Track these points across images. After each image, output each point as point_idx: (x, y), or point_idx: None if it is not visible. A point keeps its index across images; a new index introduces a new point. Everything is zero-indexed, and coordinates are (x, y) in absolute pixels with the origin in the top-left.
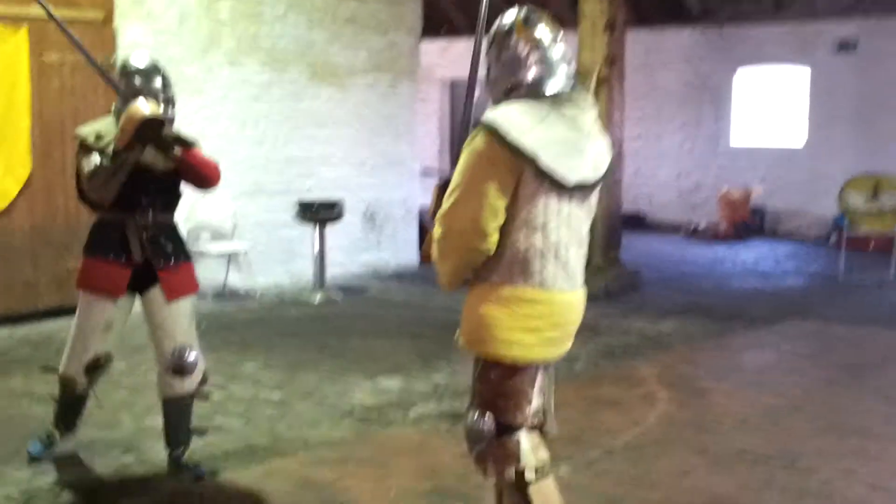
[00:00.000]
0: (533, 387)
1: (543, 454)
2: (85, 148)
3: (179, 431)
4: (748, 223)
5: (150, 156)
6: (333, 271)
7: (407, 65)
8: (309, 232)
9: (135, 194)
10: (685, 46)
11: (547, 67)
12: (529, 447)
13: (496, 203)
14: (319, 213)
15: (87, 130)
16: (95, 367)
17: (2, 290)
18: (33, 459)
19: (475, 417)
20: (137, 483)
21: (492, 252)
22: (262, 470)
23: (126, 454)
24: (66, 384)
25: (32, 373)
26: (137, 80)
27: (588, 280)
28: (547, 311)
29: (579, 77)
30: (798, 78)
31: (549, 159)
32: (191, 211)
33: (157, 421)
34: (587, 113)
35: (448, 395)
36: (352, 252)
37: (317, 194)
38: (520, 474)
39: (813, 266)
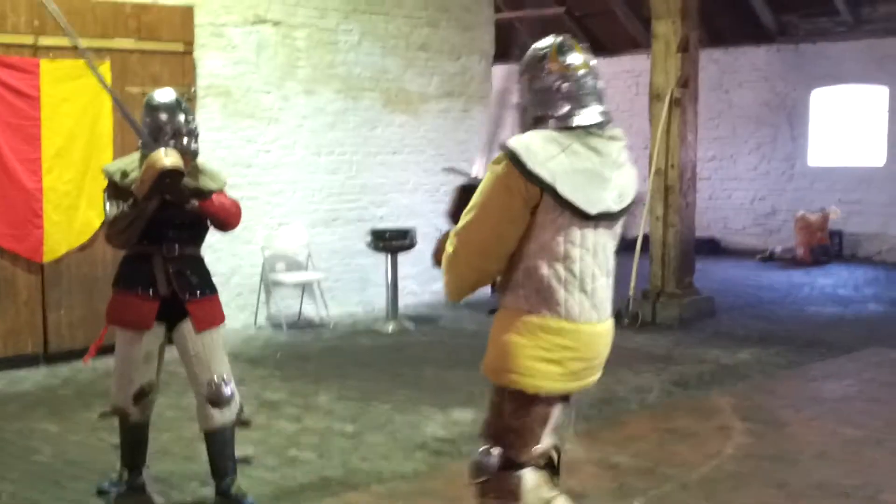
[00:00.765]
0: (544, 427)
1: (546, 494)
2: (112, 186)
3: (224, 462)
4: (826, 247)
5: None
6: (406, 300)
7: (479, 89)
8: (382, 260)
9: (161, 228)
10: (761, 65)
11: (578, 99)
12: (531, 486)
13: (507, 230)
14: (392, 242)
15: (114, 168)
16: (141, 397)
17: (84, 323)
18: (101, 493)
19: (482, 450)
20: None
21: (496, 276)
22: (335, 503)
23: (203, 486)
24: (118, 414)
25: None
26: (162, 116)
27: (661, 308)
28: (572, 342)
29: (652, 98)
30: (877, 96)
31: (569, 189)
32: (267, 240)
33: (236, 453)
34: (615, 143)
35: None
36: (424, 281)
37: (390, 222)
38: None
39: (894, 291)
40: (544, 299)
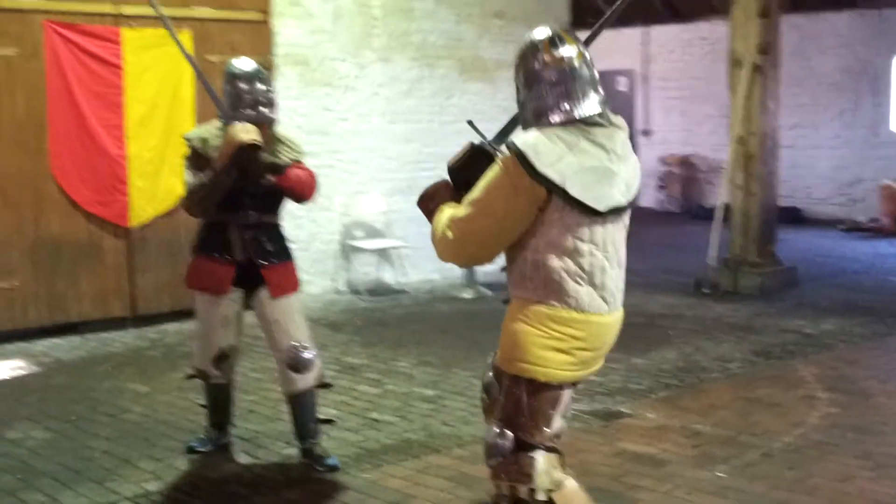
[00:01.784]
0: (556, 409)
1: (558, 475)
2: (194, 154)
3: (307, 424)
4: None
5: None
6: (483, 267)
7: None
8: None
9: (237, 197)
10: (843, 31)
11: (576, 91)
12: (544, 468)
13: (510, 226)
14: None
15: (194, 135)
16: (222, 360)
17: (170, 286)
18: (191, 451)
19: (495, 432)
20: (299, 475)
21: (488, 261)
22: (417, 465)
23: (288, 447)
24: (200, 376)
25: None
26: (242, 85)
27: (742, 277)
28: (583, 332)
29: (732, 65)
30: None
31: (579, 189)
32: (345, 208)
33: (319, 415)
34: (617, 135)
35: (600, 393)
36: None
37: None
38: (531, 493)
39: None
40: (554, 290)
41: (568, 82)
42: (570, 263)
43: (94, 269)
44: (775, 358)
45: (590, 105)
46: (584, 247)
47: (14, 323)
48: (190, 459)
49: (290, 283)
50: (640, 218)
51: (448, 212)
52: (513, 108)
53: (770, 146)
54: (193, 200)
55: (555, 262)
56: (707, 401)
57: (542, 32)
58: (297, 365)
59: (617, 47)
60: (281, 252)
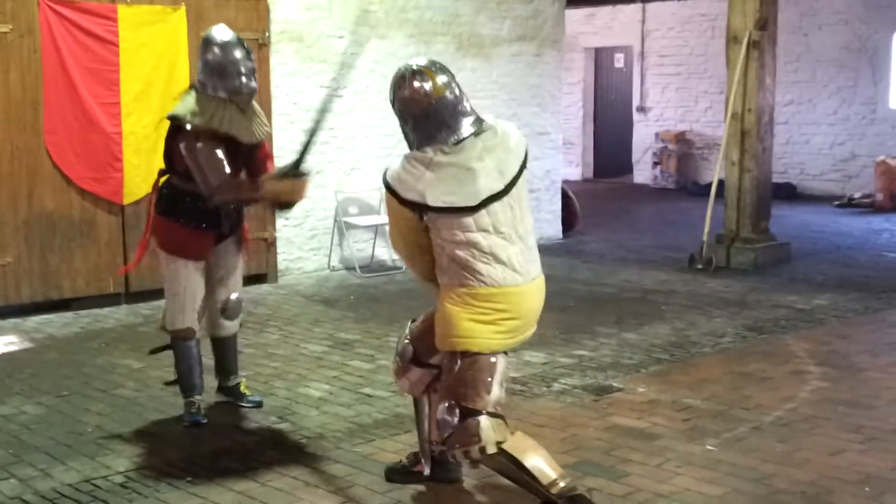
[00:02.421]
0: (493, 376)
1: (504, 433)
2: (196, 130)
3: (231, 363)
4: None
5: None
6: None
7: (551, 33)
8: None
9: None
10: (841, 7)
11: (447, 120)
12: (489, 426)
13: (411, 237)
14: None
15: (183, 111)
16: (202, 312)
17: None
18: (196, 424)
19: (444, 408)
20: (292, 449)
21: (428, 266)
22: (409, 439)
23: (281, 422)
24: (186, 336)
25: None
26: (224, 53)
27: (736, 253)
28: (502, 304)
29: (730, 41)
30: None
31: (442, 198)
32: (340, 184)
33: (312, 390)
34: (481, 135)
35: (592, 368)
36: None
37: None
38: (482, 450)
39: None
40: (467, 275)
41: (437, 115)
42: (472, 250)
43: (87, 246)
44: (767, 333)
45: (464, 129)
46: (476, 235)
47: (7, 299)
48: (181, 434)
49: (245, 243)
50: (635, 194)
51: None
52: (510, 85)
53: (766, 122)
54: (221, 201)
55: (459, 252)
56: (698, 375)
57: (403, 70)
58: (233, 313)
59: (615, 24)
60: (242, 218)
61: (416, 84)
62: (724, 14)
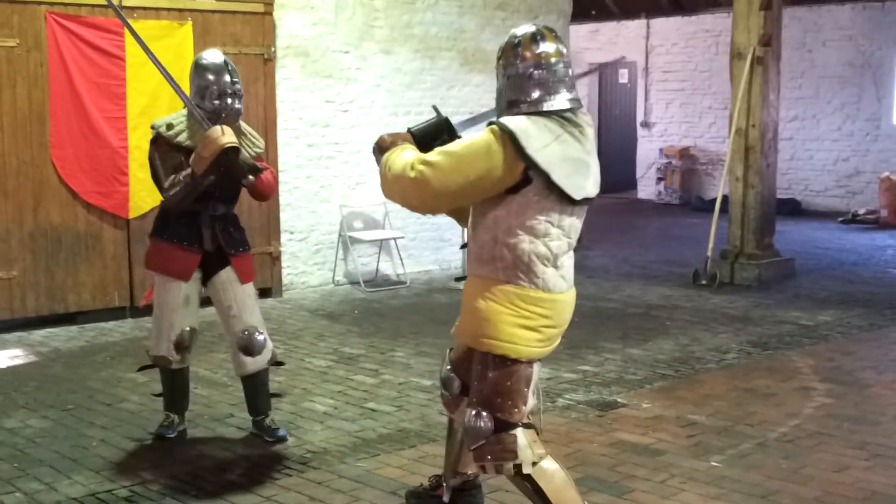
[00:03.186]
0: (528, 386)
1: (539, 449)
2: (163, 142)
3: (260, 402)
4: None
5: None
6: None
7: None
8: None
9: (207, 189)
10: (845, 23)
11: (549, 86)
12: (526, 443)
13: (473, 192)
14: None
15: (160, 122)
16: (182, 344)
17: None
18: (160, 438)
19: (473, 415)
20: (296, 464)
21: (424, 213)
22: (413, 454)
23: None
24: (161, 364)
25: (197, 356)
26: (210, 76)
27: (740, 269)
28: (550, 310)
29: (734, 57)
30: None
31: (561, 176)
32: (345, 198)
33: (316, 404)
34: (588, 131)
35: (596, 383)
36: None
37: None
38: (517, 468)
39: None
40: (523, 271)
41: (542, 78)
42: (539, 247)
43: (93, 260)
44: (772, 349)
45: (560, 101)
46: (554, 231)
47: (13, 312)
48: (187, 448)
49: (251, 272)
50: (639, 209)
51: (414, 154)
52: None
53: (770, 138)
54: (174, 200)
55: (526, 244)
56: (703, 391)
57: (525, 28)
58: (250, 348)
59: (620, 39)
60: (244, 241)
61: (532, 43)
62: (727, 30)
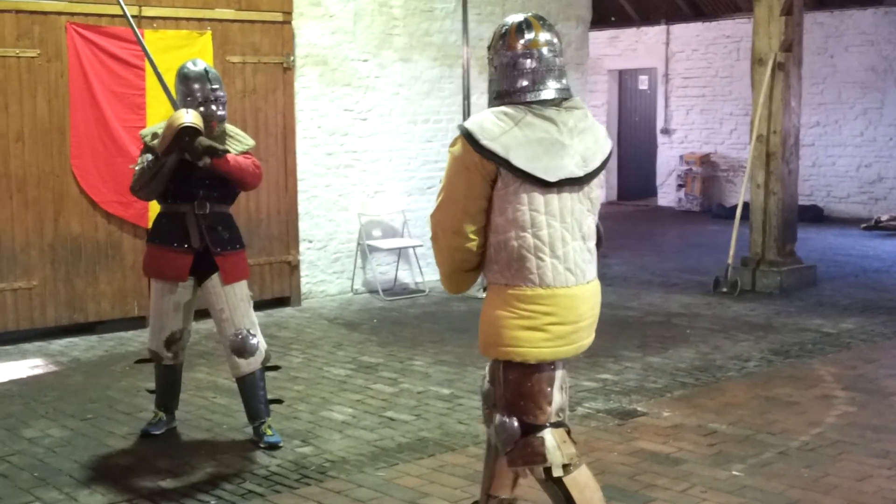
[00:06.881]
0: (552, 386)
1: (570, 449)
2: (147, 148)
3: (254, 405)
4: None
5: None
6: None
7: (575, 56)
8: None
9: (192, 188)
10: (867, 28)
11: (536, 76)
12: (555, 444)
13: (471, 206)
14: None
15: (147, 130)
16: (172, 343)
17: None
18: (146, 435)
19: (500, 420)
20: (315, 473)
21: (475, 251)
22: (432, 463)
23: (303, 446)
24: (154, 358)
25: (215, 365)
26: (192, 84)
27: (761, 276)
28: (550, 308)
29: (755, 63)
30: None
31: (524, 160)
32: (363, 207)
33: (335, 413)
34: (573, 111)
35: (616, 392)
36: None
37: None
38: (548, 471)
39: None
40: (517, 269)
41: (529, 67)
42: (528, 239)
43: (112, 270)
44: (793, 357)
45: (547, 92)
46: (541, 218)
47: (33, 322)
48: (206, 457)
49: (240, 271)
50: (660, 217)
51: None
52: None
53: (791, 144)
54: (140, 184)
55: (514, 240)
56: (724, 399)
57: (514, 18)
58: (241, 350)
59: (639, 46)
60: (235, 240)
61: (518, 32)
62: (748, 36)
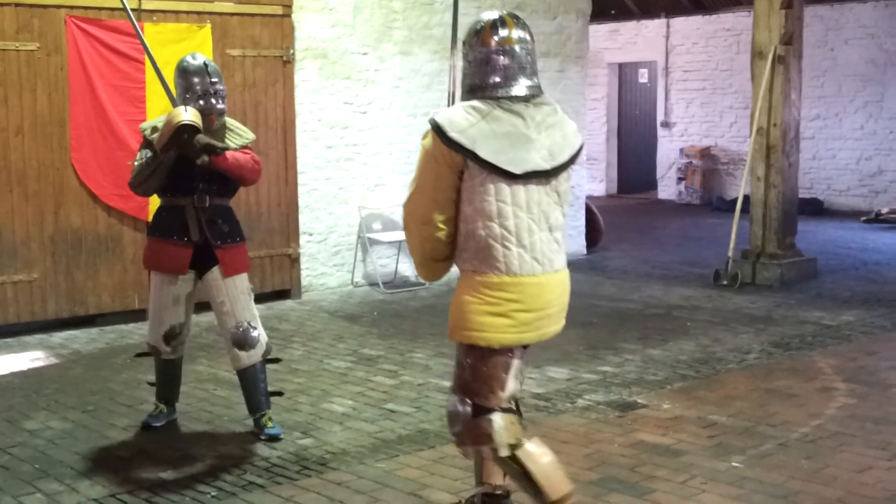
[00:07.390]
0: (508, 372)
1: (517, 430)
2: (146, 142)
3: (255, 397)
4: None
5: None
6: None
7: (575, 49)
8: None
9: (191, 181)
10: (867, 21)
11: (507, 72)
12: (502, 425)
13: (440, 196)
14: None
15: (147, 125)
16: (171, 336)
17: None
18: (146, 427)
19: (455, 401)
20: (316, 465)
21: (444, 240)
22: (433, 455)
23: (304, 438)
24: (153, 352)
25: (216, 358)
26: (191, 78)
27: (761, 268)
28: (516, 295)
29: (755, 56)
30: None
31: (490, 152)
32: (363, 200)
33: (335, 405)
34: (542, 107)
35: (616, 384)
36: None
37: None
38: (494, 451)
39: None
40: (485, 258)
41: (501, 64)
42: (495, 228)
43: (113, 262)
44: (794, 349)
45: (517, 88)
46: (507, 209)
47: (33, 315)
48: (207, 449)
49: (240, 264)
50: (660, 210)
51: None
52: None
53: (792, 137)
54: (138, 179)
55: (482, 230)
56: (724, 392)
57: (490, 14)
58: (242, 343)
59: (639, 39)
60: (235, 233)
61: (492, 29)
62: (748, 29)
